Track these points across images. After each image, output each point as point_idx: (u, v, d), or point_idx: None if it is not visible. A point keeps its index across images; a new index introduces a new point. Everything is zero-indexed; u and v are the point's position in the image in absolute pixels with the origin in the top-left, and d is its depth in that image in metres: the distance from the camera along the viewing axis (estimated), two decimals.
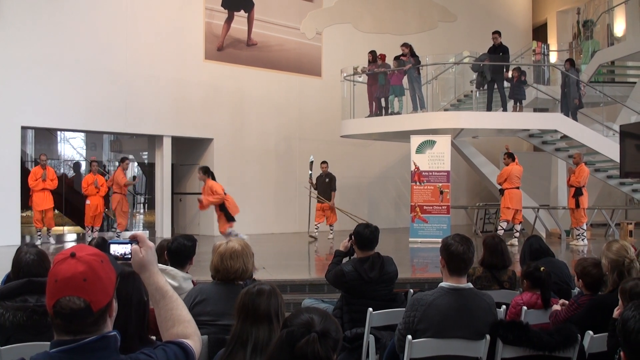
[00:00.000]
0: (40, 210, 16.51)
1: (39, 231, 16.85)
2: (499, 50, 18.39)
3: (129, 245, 2.84)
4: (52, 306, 2.34)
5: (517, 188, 17.07)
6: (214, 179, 15.09)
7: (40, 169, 16.61)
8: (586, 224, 17.23)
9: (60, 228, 20.31)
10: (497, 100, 18.66)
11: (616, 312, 4.77)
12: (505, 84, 18.39)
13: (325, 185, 18.66)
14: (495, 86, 18.40)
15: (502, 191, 17.24)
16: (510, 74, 18.31)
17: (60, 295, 2.33)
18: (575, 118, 18.49)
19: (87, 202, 17.29)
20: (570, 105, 18.49)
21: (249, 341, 3.57)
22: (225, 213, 14.97)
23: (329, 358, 2.67)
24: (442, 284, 4.95)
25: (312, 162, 18.91)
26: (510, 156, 17.16)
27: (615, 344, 4.58)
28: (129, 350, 2.61)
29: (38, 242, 16.07)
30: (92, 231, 17.17)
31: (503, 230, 16.96)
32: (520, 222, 17.44)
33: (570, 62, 19.13)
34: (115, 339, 2.44)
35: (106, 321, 2.44)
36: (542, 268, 6.01)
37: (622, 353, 3.03)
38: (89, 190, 17.25)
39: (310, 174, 19.01)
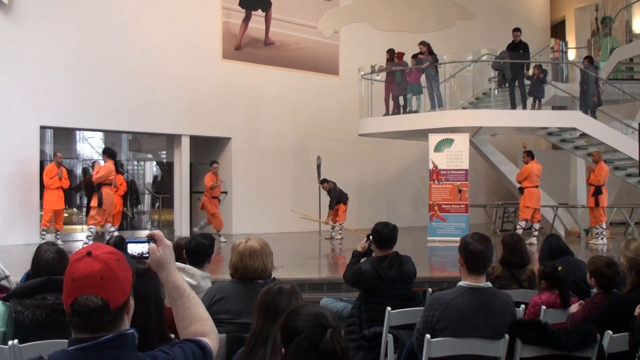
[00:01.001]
0: (52, 210, 16.32)
1: (45, 231, 16.37)
2: (519, 48, 18.32)
3: (146, 244, 2.84)
4: (69, 305, 2.35)
5: (537, 187, 16.98)
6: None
7: (55, 167, 16.45)
8: (605, 223, 17.12)
9: (77, 227, 20.29)
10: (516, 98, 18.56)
11: (638, 311, 4.74)
12: (526, 81, 18.30)
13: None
14: (516, 84, 18.31)
15: (521, 190, 17.15)
16: (531, 72, 18.23)
17: (78, 293, 2.33)
18: (594, 116, 18.39)
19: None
20: (589, 102, 18.39)
21: (269, 339, 3.59)
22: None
23: (348, 348, 2.71)
24: (461, 283, 4.93)
25: (319, 164, 18.85)
26: (529, 154, 17.07)
27: (636, 343, 4.55)
28: (149, 348, 2.62)
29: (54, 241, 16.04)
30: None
31: (522, 229, 16.90)
32: (539, 221, 17.34)
33: (589, 59, 19.03)
34: (132, 336, 2.44)
35: (123, 319, 2.45)
36: (560, 268, 5.98)
37: None
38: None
39: (319, 174, 18.98)
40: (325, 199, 18.92)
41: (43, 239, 15.94)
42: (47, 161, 17.86)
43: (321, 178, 18.97)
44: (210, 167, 17.66)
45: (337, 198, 18.51)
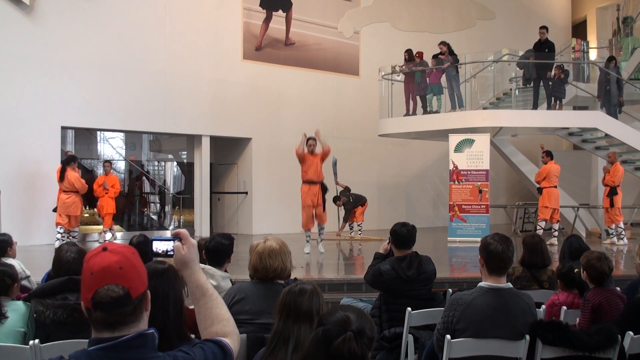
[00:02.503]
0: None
1: (68, 232, 16.07)
2: (545, 47, 18.24)
3: (171, 242, 2.85)
4: (90, 298, 2.36)
5: (555, 187, 16.92)
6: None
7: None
8: (623, 223, 17.04)
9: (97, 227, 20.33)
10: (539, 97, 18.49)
11: None
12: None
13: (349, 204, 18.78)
14: (541, 83, 18.24)
15: (540, 190, 17.09)
16: (553, 72, 18.16)
17: (99, 285, 2.35)
18: (616, 116, 18.29)
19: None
20: (612, 103, 18.29)
21: (291, 340, 3.59)
22: None
23: (364, 356, 2.68)
24: (481, 284, 4.92)
25: (335, 163, 18.83)
26: (548, 154, 16.99)
27: None
28: (169, 347, 2.63)
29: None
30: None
31: (542, 230, 16.84)
32: (558, 221, 17.26)
33: (612, 59, 18.93)
34: (152, 336, 2.45)
35: (143, 313, 2.46)
36: (576, 270, 6.00)
37: None
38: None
39: (335, 174, 18.97)
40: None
41: (68, 238, 15.72)
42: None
43: (336, 179, 18.96)
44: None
45: (353, 206, 18.63)
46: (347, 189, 18.88)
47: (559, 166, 17.08)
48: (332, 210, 19.06)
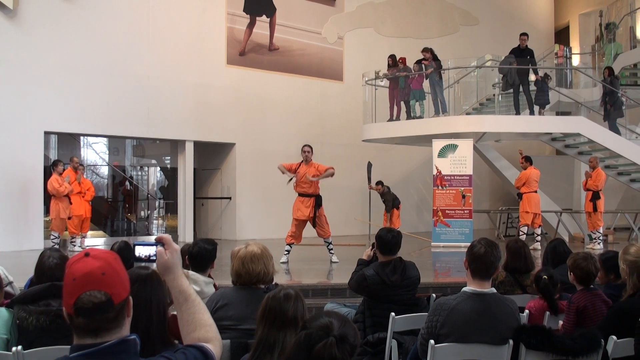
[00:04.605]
0: (78, 216, 16.27)
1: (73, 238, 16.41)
2: (525, 53, 18.33)
3: (154, 247, 2.85)
4: (72, 304, 2.35)
5: (535, 192, 16.98)
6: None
7: (73, 172, 16.27)
8: (603, 228, 17.15)
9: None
10: (521, 103, 18.56)
11: None
12: (532, 87, 18.30)
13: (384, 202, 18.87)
14: (521, 89, 18.32)
15: (520, 195, 17.17)
16: (533, 77, 18.23)
17: (81, 291, 2.35)
18: (616, 127, 18.47)
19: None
20: (614, 114, 18.45)
21: (276, 346, 3.56)
22: None
23: None
24: (465, 289, 4.93)
25: (370, 167, 18.90)
26: (527, 160, 17.06)
27: None
28: (152, 353, 2.62)
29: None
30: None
31: (525, 235, 16.89)
32: (540, 226, 17.32)
33: (609, 70, 19.01)
34: (135, 342, 2.45)
35: (125, 319, 2.46)
36: (544, 277, 6.05)
37: None
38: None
39: (369, 179, 19.03)
40: (350, 204, 18.82)
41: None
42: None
43: (371, 182, 19.03)
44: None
45: (392, 202, 18.60)
46: (388, 188, 18.93)
47: (539, 171, 17.14)
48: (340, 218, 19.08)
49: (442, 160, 17.64)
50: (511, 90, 18.60)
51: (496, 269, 5.02)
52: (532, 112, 18.26)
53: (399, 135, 19.80)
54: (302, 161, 13.66)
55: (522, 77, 18.30)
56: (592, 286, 5.81)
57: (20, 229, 16.40)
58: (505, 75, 18.65)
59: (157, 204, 23.37)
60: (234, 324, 4.98)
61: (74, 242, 16.43)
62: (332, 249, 13.89)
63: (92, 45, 17.65)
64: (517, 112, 18.28)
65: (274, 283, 5.37)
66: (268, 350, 3.57)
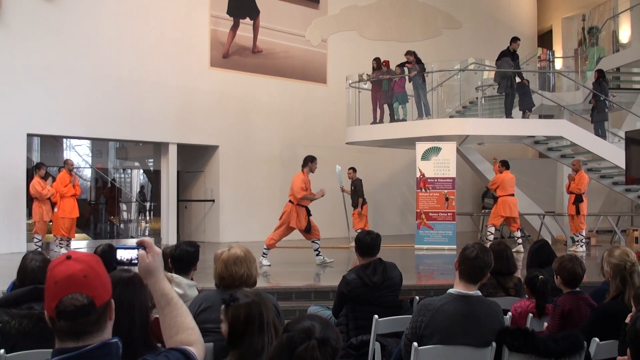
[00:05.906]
0: (69, 218, 16.14)
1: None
2: (515, 57, 18.39)
3: (135, 251, 2.84)
4: (54, 307, 2.34)
5: (512, 195, 17.01)
6: None
7: (67, 175, 16.19)
8: (585, 231, 17.23)
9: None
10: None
11: (629, 319, 4.75)
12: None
13: (352, 193, 18.53)
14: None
15: (496, 198, 17.25)
16: (518, 79, 18.30)
17: (63, 294, 2.34)
18: (604, 130, 18.54)
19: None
20: (602, 117, 18.54)
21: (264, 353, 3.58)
22: None
23: None
24: (451, 290, 4.95)
25: (339, 172, 18.89)
26: (504, 164, 17.11)
27: (626, 350, 4.57)
28: (134, 356, 2.61)
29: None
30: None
31: (492, 236, 16.90)
32: (519, 229, 17.34)
33: (599, 72, 19.05)
34: (116, 346, 2.44)
35: (107, 322, 2.45)
36: (540, 277, 6.05)
37: (628, 352, 3.05)
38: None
39: (341, 184, 18.98)
40: (324, 210, 18.63)
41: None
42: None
43: (342, 186, 18.94)
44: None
45: (362, 192, 18.34)
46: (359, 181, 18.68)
47: (514, 176, 17.21)
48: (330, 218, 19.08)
49: (425, 163, 17.68)
50: (502, 92, 18.63)
51: (485, 275, 5.03)
52: (524, 115, 18.32)
53: (382, 138, 19.85)
54: (307, 174, 14.15)
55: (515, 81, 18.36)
56: (578, 289, 5.82)
57: (3, 232, 16.30)
58: (505, 78, 18.60)
59: (140, 206, 23.29)
60: (217, 326, 4.94)
61: (63, 244, 16.26)
62: (320, 252, 14.02)
63: (75, 47, 17.57)
64: (509, 116, 18.29)
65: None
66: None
